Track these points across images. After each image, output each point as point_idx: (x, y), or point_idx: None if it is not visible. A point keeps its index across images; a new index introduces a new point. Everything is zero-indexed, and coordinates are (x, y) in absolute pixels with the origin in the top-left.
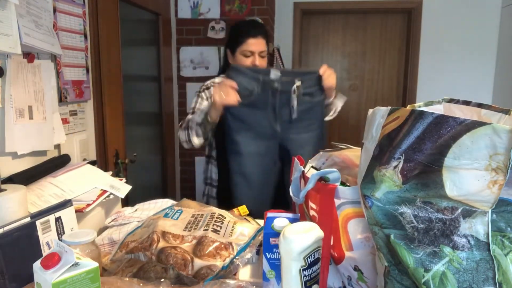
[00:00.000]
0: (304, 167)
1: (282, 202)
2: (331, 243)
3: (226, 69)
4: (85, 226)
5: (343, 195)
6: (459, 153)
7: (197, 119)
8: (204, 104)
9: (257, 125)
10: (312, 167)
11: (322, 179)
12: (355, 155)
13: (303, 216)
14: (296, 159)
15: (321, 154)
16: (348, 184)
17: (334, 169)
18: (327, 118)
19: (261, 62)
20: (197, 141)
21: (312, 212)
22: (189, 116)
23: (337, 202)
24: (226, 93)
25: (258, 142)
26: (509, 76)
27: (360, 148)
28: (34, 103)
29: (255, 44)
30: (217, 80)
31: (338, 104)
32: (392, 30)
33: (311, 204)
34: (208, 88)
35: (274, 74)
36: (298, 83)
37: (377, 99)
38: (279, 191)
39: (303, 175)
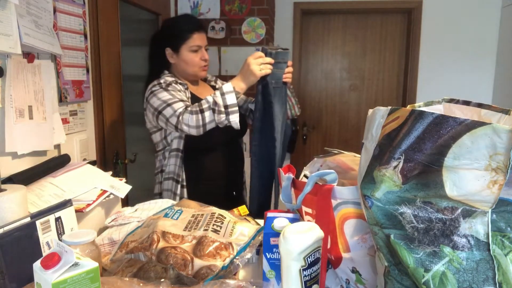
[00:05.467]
0: (295, 175)
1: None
2: (328, 246)
3: (164, 68)
4: (85, 226)
5: (339, 195)
6: (459, 153)
7: (230, 100)
8: (179, 94)
9: (276, 107)
10: (305, 176)
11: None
12: (350, 160)
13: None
14: (281, 170)
15: (315, 160)
16: None
17: (332, 170)
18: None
19: (207, 56)
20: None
21: (307, 217)
22: (203, 100)
23: (333, 202)
24: (264, 66)
25: (276, 121)
26: (509, 76)
27: (353, 153)
28: (34, 103)
29: (201, 39)
30: (168, 78)
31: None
32: (392, 30)
33: (306, 209)
34: (170, 84)
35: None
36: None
37: (377, 99)
38: None
39: (294, 182)
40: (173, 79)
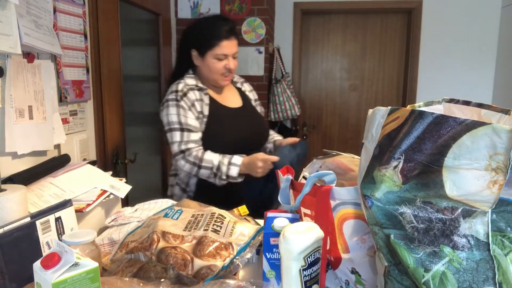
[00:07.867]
0: (293, 176)
1: None
2: (328, 247)
3: (190, 68)
4: (85, 226)
5: (338, 196)
6: (459, 153)
7: (233, 172)
8: (189, 115)
9: None
10: (304, 177)
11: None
12: (349, 161)
13: None
14: (279, 171)
15: (314, 162)
16: None
17: (330, 171)
18: None
19: (234, 63)
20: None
21: (306, 219)
22: (207, 157)
23: (332, 203)
24: (264, 170)
25: None
26: (509, 76)
27: (351, 154)
28: (34, 103)
29: (230, 47)
30: (189, 81)
31: None
32: (392, 30)
33: (305, 210)
34: (185, 94)
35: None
36: None
37: (377, 99)
38: None
39: (292, 184)
40: (194, 82)
